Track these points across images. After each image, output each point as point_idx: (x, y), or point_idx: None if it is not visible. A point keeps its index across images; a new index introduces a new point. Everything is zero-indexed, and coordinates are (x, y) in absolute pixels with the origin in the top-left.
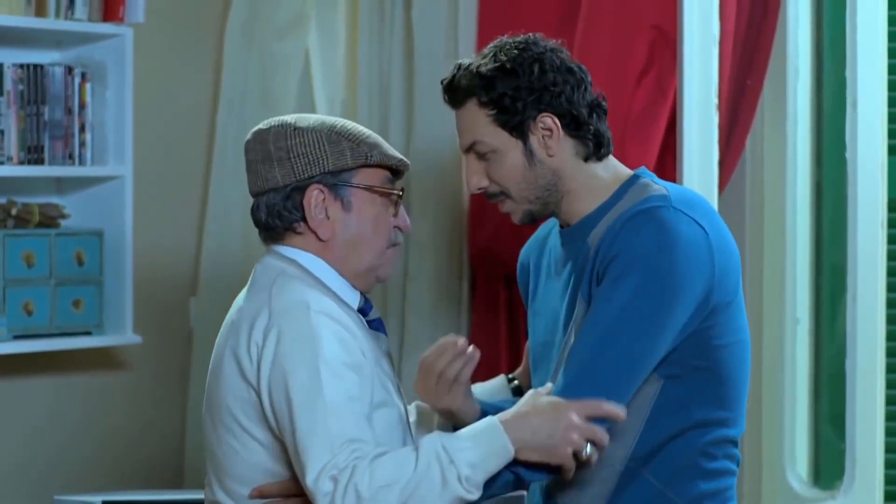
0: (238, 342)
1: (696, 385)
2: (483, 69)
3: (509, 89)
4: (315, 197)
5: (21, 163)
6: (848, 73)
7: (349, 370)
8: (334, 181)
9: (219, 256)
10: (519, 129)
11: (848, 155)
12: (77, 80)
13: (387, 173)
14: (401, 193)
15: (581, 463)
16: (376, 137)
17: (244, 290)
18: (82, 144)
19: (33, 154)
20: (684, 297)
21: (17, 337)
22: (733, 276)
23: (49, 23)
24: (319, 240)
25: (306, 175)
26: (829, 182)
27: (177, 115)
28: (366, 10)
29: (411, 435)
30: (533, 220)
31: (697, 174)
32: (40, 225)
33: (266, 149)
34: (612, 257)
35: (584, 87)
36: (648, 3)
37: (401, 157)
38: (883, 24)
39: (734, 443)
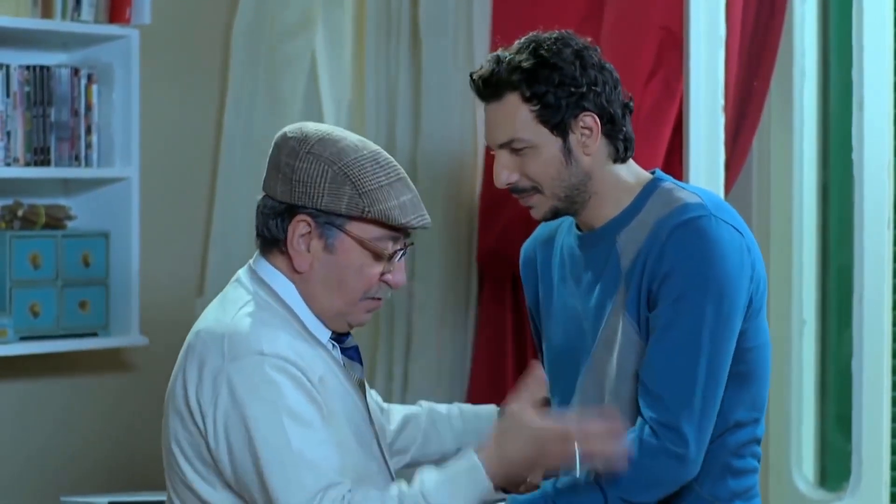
0: (189, 372)
1: (734, 388)
2: (525, 63)
3: (552, 85)
4: (300, 228)
5: (27, 164)
6: (854, 75)
7: (312, 406)
8: (325, 220)
9: (225, 258)
10: (560, 126)
11: (854, 156)
12: (83, 81)
13: (389, 230)
14: (394, 253)
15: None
16: (398, 189)
17: (214, 303)
18: (88, 146)
19: (40, 155)
20: (739, 303)
21: (23, 338)
22: (764, 279)
23: (55, 24)
24: (295, 270)
25: (300, 203)
26: (836, 183)
27: (183, 116)
28: (372, 11)
29: (384, 459)
30: (555, 217)
31: (704, 175)
32: (47, 226)
33: (279, 158)
34: (664, 275)
35: (617, 87)
36: (657, 4)
37: (412, 221)
38: (889, 25)
39: (759, 441)
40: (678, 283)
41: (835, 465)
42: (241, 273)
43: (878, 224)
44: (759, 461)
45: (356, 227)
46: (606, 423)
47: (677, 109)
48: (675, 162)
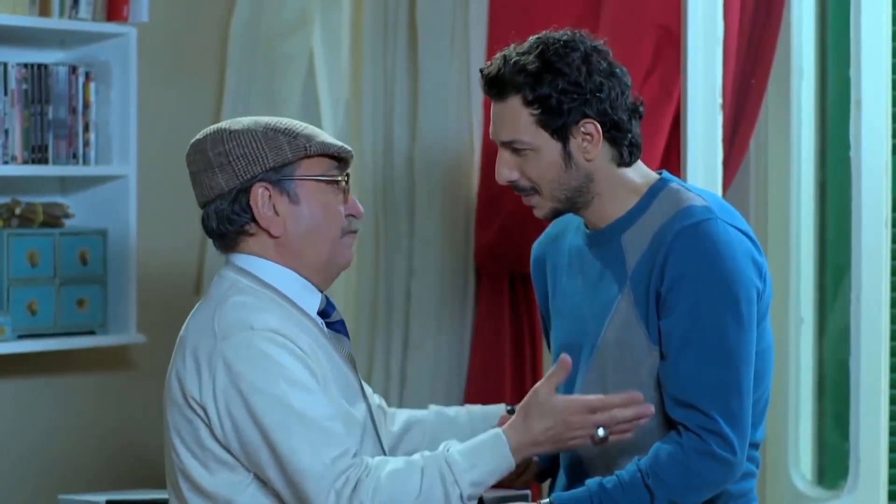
0: (183, 363)
1: None
2: (530, 66)
3: (555, 91)
4: (261, 195)
5: (25, 162)
6: (852, 73)
7: (309, 377)
8: (278, 177)
9: (222, 255)
10: (561, 131)
11: (852, 154)
12: (81, 79)
13: (331, 161)
14: (346, 179)
15: (596, 443)
16: (313, 128)
17: (200, 302)
18: (86, 144)
19: (37, 153)
20: (753, 304)
21: (21, 336)
22: (770, 283)
23: (53, 22)
24: (272, 237)
25: (248, 175)
26: (833, 182)
27: (181, 114)
28: (370, 9)
29: (377, 435)
30: (556, 217)
31: (701, 173)
32: (44, 224)
33: (206, 157)
34: (673, 280)
35: (625, 92)
36: (654, 3)
37: (341, 144)
38: (887, 23)
39: (756, 446)
40: (691, 289)
41: (832, 464)
42: (222, 271)
43: (876, 223)
44: (757, 466)
45: (306, 169)
46: (625, 394)
47: (675, 108)
48: (672, 160)
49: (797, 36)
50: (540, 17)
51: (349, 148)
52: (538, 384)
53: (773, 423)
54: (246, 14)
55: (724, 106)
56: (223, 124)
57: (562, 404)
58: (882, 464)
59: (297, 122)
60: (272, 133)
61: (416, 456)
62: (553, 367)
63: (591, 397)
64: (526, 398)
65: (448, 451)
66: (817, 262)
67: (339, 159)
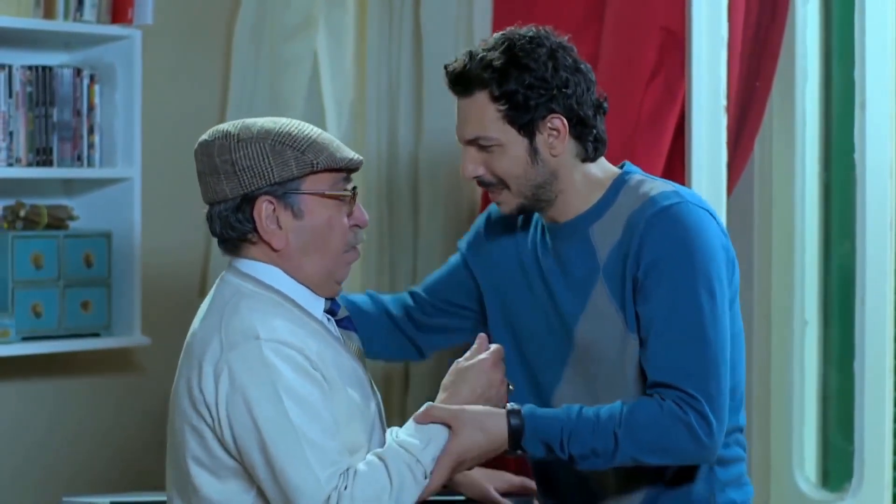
0: (191, 370)
1: None
2: (497, 62)
3: (522, 86)
4: (265, 208)
5: (29, 164)
6: (856, 75)
7: (311, 386)
8: (283, 191)
9: (227, 257)
10: (528, 126)
11: (856, 157)
12: (85, 81)
13: (339, 174)
14: (353, 194)
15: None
16: (324, 139)
17: (202, 309)
18: (91, 146)
19: (42, 156)
20: (725, 284)
21: (25, 339)
22: (737, 265)
23: (57, 24)
24: (273, 249)
25: (253, 187)
26: (838, 184)
27: (185, 116)
28: (374, 10)
29: (384, 430)
30: (521, 213)
31: (706, 176)
32: (49, 226)
33: (212, 162)
34: (649, 265)
35: (591, 88)
36: (658, 5)
37: (351, 156)
38: (891, 25)
39: (742, 430)
40: (667, 273)
41: (837, 466)
42: (224, 274)
43: (880, 225)
44: (744, 449)
45: (312, 184)
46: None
47: (679, 110)
48: (676, 163)
49: (801, 38)
50: (543, 18)
51: (359, 159)
52: (457, 361)
53: (777, 425)
54: (250, 16)
55: (728, 108)
56: (232, 129)
57: (476, 365)
58: (886, 466)
59: (309, 130)
60: (280, 147)
61: (372, 457)
62: (473, 347)
63: (493, 348)
64: (447, 376)
65: (398, 437)
66: (821, 265)
67: (348, 170)
